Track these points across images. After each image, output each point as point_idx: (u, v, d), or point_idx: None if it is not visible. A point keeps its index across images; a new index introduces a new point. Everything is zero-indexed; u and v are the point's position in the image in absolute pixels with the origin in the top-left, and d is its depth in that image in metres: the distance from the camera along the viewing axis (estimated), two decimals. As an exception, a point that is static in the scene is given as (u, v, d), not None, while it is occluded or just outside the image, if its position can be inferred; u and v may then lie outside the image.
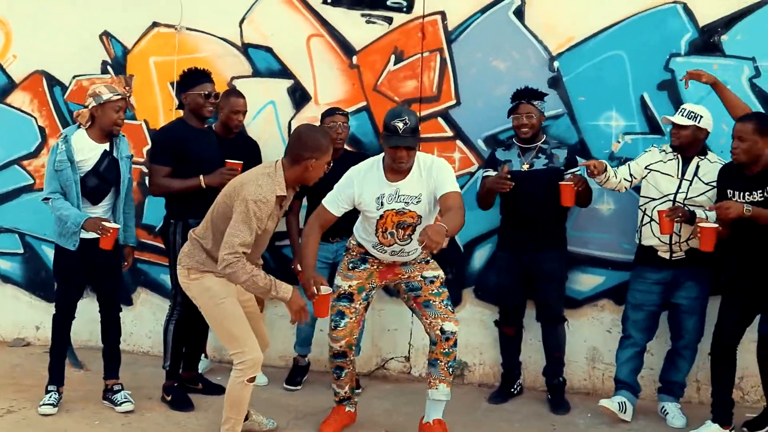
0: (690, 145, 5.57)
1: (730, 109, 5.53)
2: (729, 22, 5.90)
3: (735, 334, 5.32)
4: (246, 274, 4.58)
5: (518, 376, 6.23)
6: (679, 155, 5.64)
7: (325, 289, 4.87)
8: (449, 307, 5.16)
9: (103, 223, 5.40)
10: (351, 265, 5.27)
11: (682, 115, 5.55)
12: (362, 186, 5.09)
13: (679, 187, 5.60)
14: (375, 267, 5.24)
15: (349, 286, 5.23)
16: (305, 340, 6.40)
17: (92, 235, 5.44)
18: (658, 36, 6.02)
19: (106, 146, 5.56)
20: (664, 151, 5.72)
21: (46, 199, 5.50)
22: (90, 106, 5.48)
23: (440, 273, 5.28)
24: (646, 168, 5.72)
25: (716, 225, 5.20)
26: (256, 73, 6.81)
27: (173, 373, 5.89)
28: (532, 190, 5.79)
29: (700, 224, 5.22)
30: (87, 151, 5.49)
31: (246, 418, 5.07)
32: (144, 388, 6.09)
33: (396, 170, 5.03)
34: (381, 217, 5.05)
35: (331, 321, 5.23)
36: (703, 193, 5.54)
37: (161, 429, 5.41)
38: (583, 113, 6.19)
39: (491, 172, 5.94)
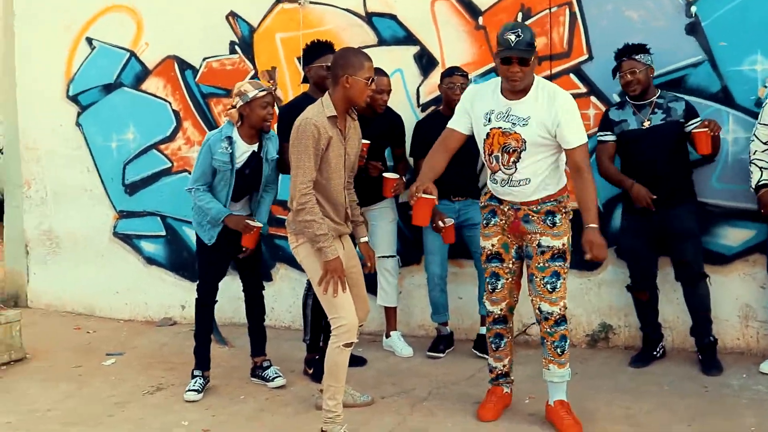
0: None
1: None
2: None
3: None
4: (309, 215, 4.63)
5: (660, 338, 5.98)
6: None
7: (426, 195, 4.61)
8: (548, 286, 4.76)
9: (247, 221, 5.48)
10: (485, 221, 4.95)
11: None
12: (474, 99, 4.86)
13: None
14: (503, 221, 4.87)
15: (492, 245, 4.92)
16: (438, 307, 6.36)
17: None
18: (806, -32, 5.65)
19: (255, 147, 5.54)
20: None
21: (189, 189, 5.54)
22: (238, 106, 5.42)
23: (558, 242, 4.76)
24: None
25: None
26: (382, 42, 6.73)
27: (314, 347, 5.92)
28: (654, 147, 5.59)
29: None
30: (239, 153, 5.50)
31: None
32: (286, 361, 6.15)
33: (511, 90, 4.70)
34: (488, 135, 4.75)
35: (488, 284, 5.01)
36: None
37: (304, 402, 5.44)
38: (725, 59, 5.85)
39: (609, 137, 5.78)
